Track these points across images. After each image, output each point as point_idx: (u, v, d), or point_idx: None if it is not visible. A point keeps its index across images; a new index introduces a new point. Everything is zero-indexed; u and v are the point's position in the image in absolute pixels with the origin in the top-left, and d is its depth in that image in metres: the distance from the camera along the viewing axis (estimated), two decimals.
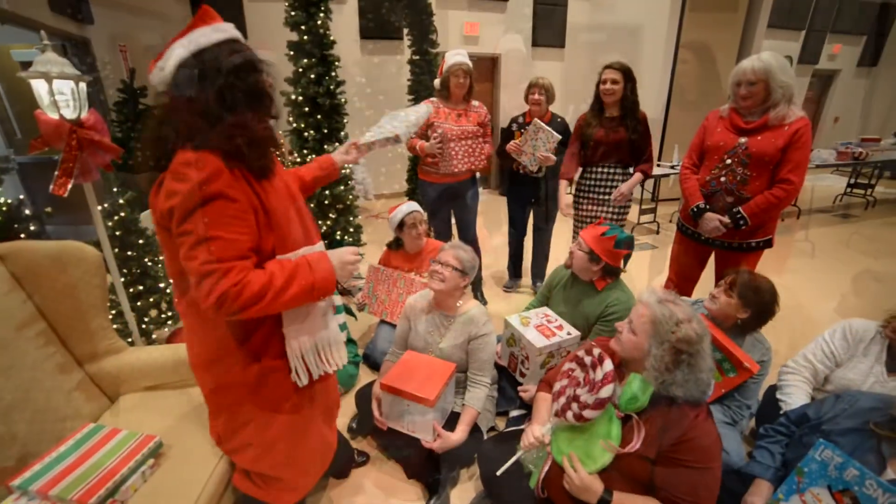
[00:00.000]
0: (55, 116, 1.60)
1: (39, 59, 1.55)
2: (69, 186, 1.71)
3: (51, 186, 1.68)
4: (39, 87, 1.57)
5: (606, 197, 2.46)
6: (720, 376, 1.51)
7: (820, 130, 8.96)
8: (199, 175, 0.80)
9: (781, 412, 1.54)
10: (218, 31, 0.89)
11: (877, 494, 1.03)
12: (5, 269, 1.22)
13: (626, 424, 1.11)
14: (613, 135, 2.32)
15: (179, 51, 0.86)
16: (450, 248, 1.72)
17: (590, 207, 2.53)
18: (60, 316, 1.33)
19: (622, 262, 1.83)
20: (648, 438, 1.06)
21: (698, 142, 2.00)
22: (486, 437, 1.68)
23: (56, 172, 1.67)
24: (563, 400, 1.19)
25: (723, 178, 1.87)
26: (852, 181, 5.97)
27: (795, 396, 1.59)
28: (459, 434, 1.54)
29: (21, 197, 1.74)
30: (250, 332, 0.96)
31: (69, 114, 1.63)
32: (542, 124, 2.40)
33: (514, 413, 1.84)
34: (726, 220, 1.85)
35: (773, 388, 1.75)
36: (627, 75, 2.27)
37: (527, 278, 3.23)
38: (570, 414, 1.14)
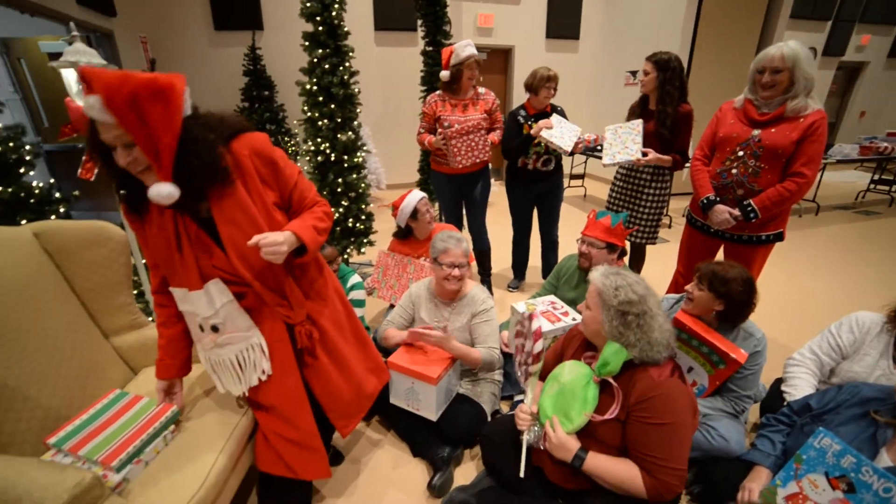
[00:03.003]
0: (83, 104, 1.68)
1: (69, 50, 1.62)
2: (96, 171, 1.79)
3: (79, 171, 1.77)
4: (69, 75, 1.64)
5: (634, 186, 2.46)
6: (712, 370, 1.52)
7: (844, 124, 8.67)
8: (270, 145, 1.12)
9: (785, 403, 1.55)
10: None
11: (872, 480, 1.05)
12: (39, 246, 1.30)
13: (605, 391, 1.16)
14: (646, 126, 2.30)
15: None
16: (452, 245, 1.69)
17: (622, 197, 2.53)
18: (88, 291, 1.41)
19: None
20: (619, 403, 1.12)
21: (710, 133, 1.98)
22: (489, 420, 1.72)
23: (83, 157, 1.75)
24: (523, 368, 1.33)
25: (734, 171, 1.86)
26: (876, 177, 5.81)
27: (800, 388, 1.59)
28: (455, 344, 1.61)
29: (52, 181, 1.83)
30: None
31: None
32: (563, 119, 2.46)
33: (520, 397, 1.88)
34: (736, 212, 1.84)
35: (779, 381, 1.75)
36: (660, 66, 2.21)
37: (531, 278, 3.20)
38: (531, 368, 1.27)
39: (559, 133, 2.45)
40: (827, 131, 1.74)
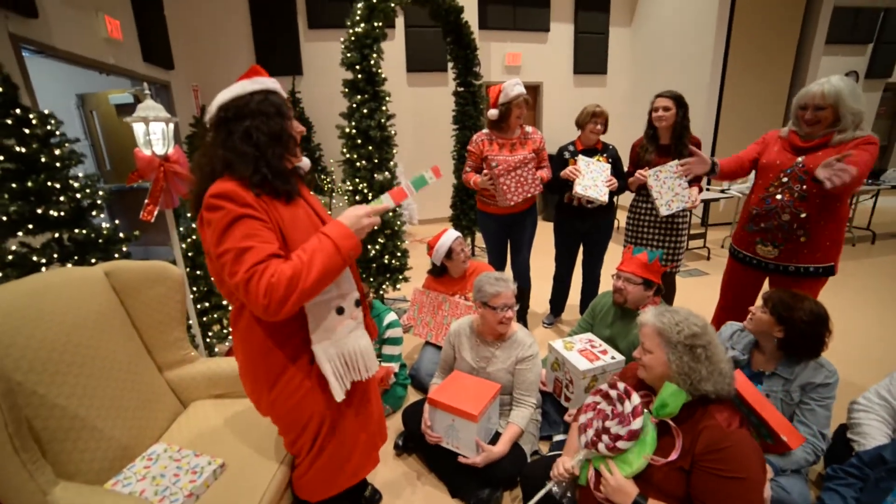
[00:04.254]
0: (148, 153, 1.84)
1: (141, 106, 1.80)
2: (155, 213, 1.94)
3: (141, 213, 1.92)
4: (138, 128, 1.82)
5: (662, 221, 2.44)
6: (757, 440, 1.41)
7: None
8: (227, 203, 0.93)
9: (853, 453, 1.43)
10: (255, 83, 1.04)
11: None
12: (109, 284, 1.41)
13: (663, 434, 1.11)
14: (666, 160, 2.31)
15: (220, 97, 1.03)
16: (503, 287, 1.67)
17: (643, 230, 2.51)
18: (147, 326, 1.50)
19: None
20: (683, 449, 1.06)
21: (754, 150, 1.96)
22: (529, 460, 1.67)
23: (146, 201, 1.91)
24: (591, 433, 1.19)
25: (779, 196, 1.79)
26: None
27: (870, 437, 1.48)
28: (501, 447, 1.56)
29: (117, 222, 1.99)
30: (279, 346, 1.06)
31: (160, 150, 1.87)
32: (588, 158, 2.45)
33: (558, 438, 1.82)
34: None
35: (843, 427, 1.63)
36: (679, 102, 2.29)
37: (569, 315, 3.13)
38: (601, 446, 1.15)
39: (590, 180, 2.43)
40: (877, 154, 1.66)
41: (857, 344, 2.72)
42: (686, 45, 5.35)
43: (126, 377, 1.33)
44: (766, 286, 2.01)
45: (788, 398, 1.45)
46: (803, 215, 1.75)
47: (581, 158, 2.46)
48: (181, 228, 2.55)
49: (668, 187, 2.27)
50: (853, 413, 1.58)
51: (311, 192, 1.25)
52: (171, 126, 1.93)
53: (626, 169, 2.63)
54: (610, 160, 2.54)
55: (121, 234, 1.97)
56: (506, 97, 2.39)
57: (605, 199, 2.42)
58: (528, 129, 2.57)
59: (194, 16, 5.13)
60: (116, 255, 1.94)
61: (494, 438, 1.64)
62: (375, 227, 1.13)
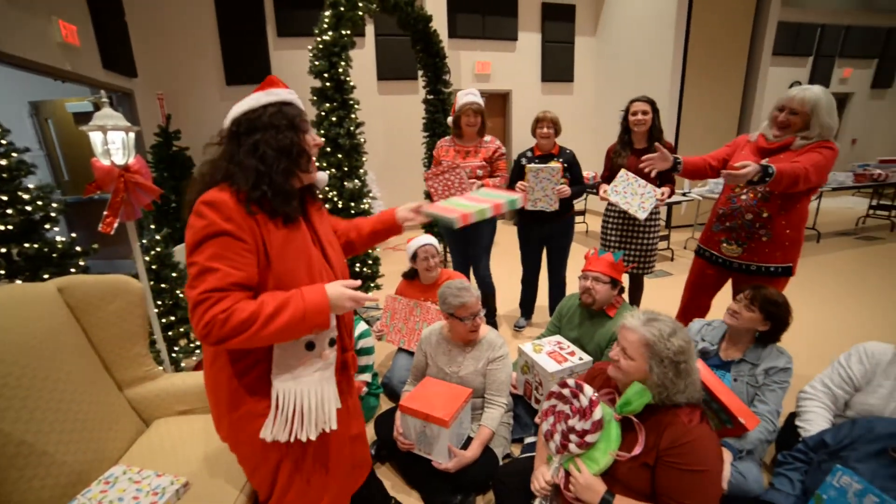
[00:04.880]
0: (107, 163, 1.79)
1: (98, 115, 1.75)
2: (115, 225, 1.88)
3: (99, 225, 1.85)
4: (96, 137, 1.76)
5: (634, 225, 2.54)
6: (719, 426, 1.48)
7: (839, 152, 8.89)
8: (212, 214, 0.88)
9: (800, 439, 1.53)
10: (270, 95, 1.00)
11: None
12: (62, 300, 1.36)
13: (627, 431, 1.14)
14: (643, 164, 2.39)
15: (233, 110, 1.00)
16: (467, 297, 1.68)
17: (616, 234, 2.61)
18: (105, 343, 1.45)
19: None
20: (647, 445, 1.10)
21: (725, 151, 2.04)
22: (501, 463, 1.69)
23: (105, 212, 1.85)
24: (557, 437, 1.21)
25: (744, 196, 1.89)
26: (874, 203, 5.87)
27: (815, 423, 1.57)
28: (473, 452, 1.58)
29: (73, 235, 1.91)
30: (241, 374, 0.99)
31: (119, 160, 1.82)
32: (535, 165, 2.49)
33: (530, 440, 1.85)
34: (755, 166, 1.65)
35: (793, 416, 1.73)
36: (654, 106, 2.41)
37: (540, 317, 3.18)
38: (572, 446, 1.17)
39: (541, 192, 2.46)
40: (831, 157, 1.72)
41: (806, 336, 2.89)
42: (647, 54, 5.60)
43: (81, 398, 1.28)
44: (728, 286, 2.10)
45: (754, 381, 1.60)
46: (765, 215, 1.84)
47: (530, 169, 2.49)
48: (144, 241, 2.47)
49: (631, 193, 2.36)
50: (800, 401, 1.68)
51: (322, 209, 1.19)
52: (132, 135, 1.88)
53: (601, 173, 2.72)
54: (566, 164, 2.60)
55: (77, 248, 1.90)
56: (458, 105, 2.52)
57: (556, 206, 2.50)
58: (488, 138, 2.64)
59: (157, 23, 5.00)
60: (73, 270, 1.86)
61: (467, 443, 1.66)
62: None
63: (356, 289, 0.99)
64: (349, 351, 1.18)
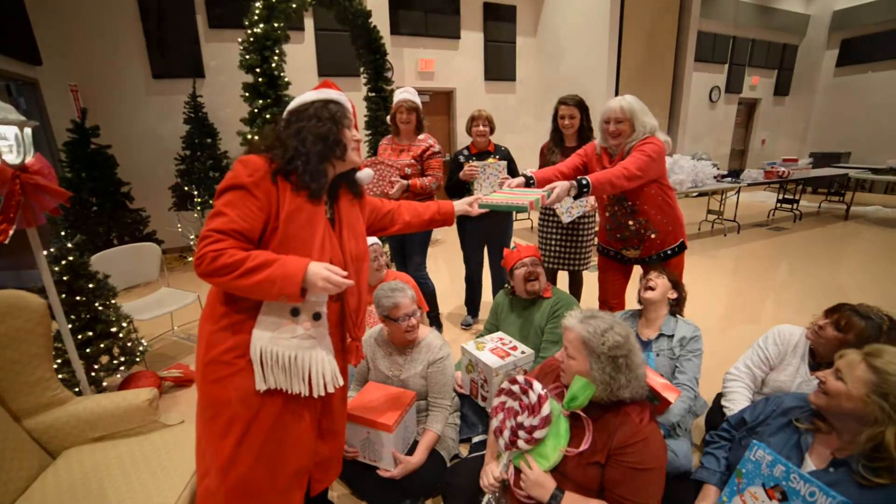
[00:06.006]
0: None
1: None
2: (10, 233, 1.65)
3: None
4: None
5: (566, 228, 2.63)
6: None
7: (751, 151, 9.91)
8: (241, 169, 1.02)
9: (725, 418, 1.65)
10: (320, 94, 1.16)
11: (799, 486, 1.12)
12: None
13: (576, 427, 1.16)
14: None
15: (292, 103, 1.17)
16: (400, 297, 1.66)
17: (552, 235, 2.69)
18: None
19: None
20: (598, 444, 1.12)
21: (578, 160, 2.09)
22: (449, 465, 1.69)
23: None
24: (507, 433, 1.22)
25: (616, 209, 2.01)
26: (780, 197, 6.54)
27: (737, 402, 1.69)
28: (418, 457, 1.56)
29: None
30: (222, 320, 1.07)
31: (12, 159, 1.60)
32: (483, 162, 2.52)
33: (477, 439, 1.86)
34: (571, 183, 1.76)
35: (720, 396, 1.86)
36: (581, 106, 2.46)
37: (485, 314, 3.16)
38: (521, 442, 1.18)
39: (489, 187, 2.48)
40: (657, 152, 1.81)
41: (732, 319, 3.16)
42: (584, 56, 5.85)
43: None
44: (636, 271, 2.20)
45: (671, 354, 1.70)
46: (644, 220, 1.96)
47: (476, 164, 2.51)
48: (52, 249, 2.21)
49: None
50: (725, 382, 1.81)
51: (357, 203, 1.29)
52: (28, 131, 1.66)
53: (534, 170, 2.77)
54: (502, 160, 2.63)
55: None
56: (393, 103, 2.54)
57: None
58: (422, 136, 2.64)
59: (64, 6, 4.47)
60: None
61: (413, 447, 1.63)
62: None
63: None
64: (354, 340, 1.25)
